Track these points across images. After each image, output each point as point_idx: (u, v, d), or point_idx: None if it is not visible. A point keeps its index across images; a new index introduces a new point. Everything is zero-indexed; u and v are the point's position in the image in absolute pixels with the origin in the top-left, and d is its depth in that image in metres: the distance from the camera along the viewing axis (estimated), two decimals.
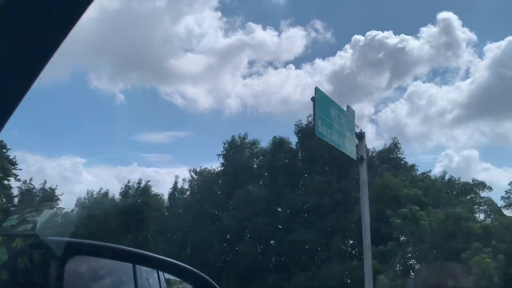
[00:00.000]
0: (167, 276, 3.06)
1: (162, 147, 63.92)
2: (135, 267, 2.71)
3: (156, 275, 2.99)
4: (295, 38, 62.64)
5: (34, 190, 40.80)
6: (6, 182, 37.66)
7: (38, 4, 0.88)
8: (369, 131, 35.78)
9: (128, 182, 43.55)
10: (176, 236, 38.99)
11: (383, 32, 49.44)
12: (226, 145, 39.84)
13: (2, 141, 36.76)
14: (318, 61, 59.74)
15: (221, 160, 39.81)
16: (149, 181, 43.38)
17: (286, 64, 58.48)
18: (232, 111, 56.41)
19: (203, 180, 40.81)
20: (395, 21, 66.10)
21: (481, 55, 65.89)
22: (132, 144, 53.91)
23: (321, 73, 55.58)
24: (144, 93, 57.60)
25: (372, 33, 49.52)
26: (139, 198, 42.09)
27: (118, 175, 62.84)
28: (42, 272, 1.83)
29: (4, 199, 37.79)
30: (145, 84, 61.52)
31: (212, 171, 41.04)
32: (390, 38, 49.10)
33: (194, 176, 41.54)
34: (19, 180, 38.72)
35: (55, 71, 37.45)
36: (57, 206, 39.67)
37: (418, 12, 67.17)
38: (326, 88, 55.78)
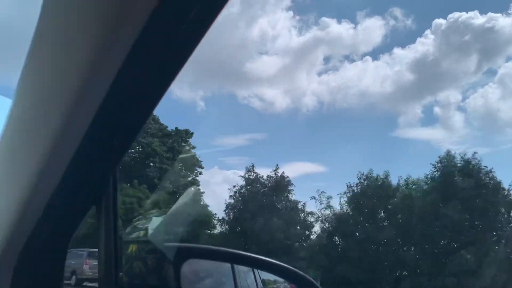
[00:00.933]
0: (263, 276, 3.15)
1: (241, 150, 65.37)
2: (234, 267, 2.82)
3: (252, 275, 3.10)
4: (372, 29, 59.76)
5: (261, 179, 35.99)
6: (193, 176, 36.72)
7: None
8: (457, 119, 32.70)
9: (465, 155, 31.74)
10: None
11: (467, 12, 45.09)
12: None
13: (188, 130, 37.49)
14: (397, 50, 56.56)
15: None
16: (475, 152, 32.01)
17: (363, 56, 56.12)
18: (308, 109, 55.57)
19: None
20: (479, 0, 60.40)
21: None
22: (212, 148, 55.86)
23: (401, 62, 52.75)
24: (222, 99, 59.36)
25: (454, 15, 45.44)
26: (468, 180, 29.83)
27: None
28: (157, 275, 1.98)
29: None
30: (223, 90, 63.29)
31: None
32: (476, 19, 44.31)
33: None
34: (201, 173, 37.27)
35: None
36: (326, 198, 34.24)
37: None
38: (408, 77, 53.13)
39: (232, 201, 36.34)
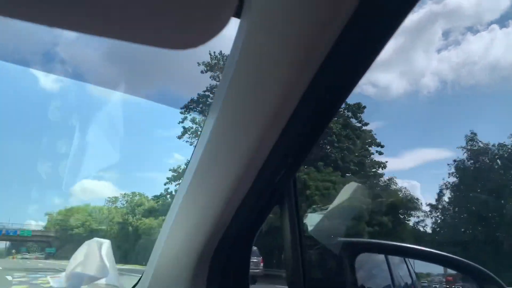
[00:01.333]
0: (416, 269, 3.08)
1: None
2: (388, 259, 2.81)
3: (405, 266, 3.05)
4: None
5: (491, 148, 27.80)
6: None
7: None
8: None
9: None
10: None
11: None
12: None
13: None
14: None
15: None
16: None
17: (488, 25, 49.77)
18: (430, 91, 51.04)
19: None
20: None
21: None
22: None
23: None
24: None
25: None
26: None
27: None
28: (323, 270, 2.08)
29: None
30: None
31: None
32: None
33: None
34: (380, 153, 32.21)
35: None
36: None
37: None
38: None
39: (455, 179, 28.86)
